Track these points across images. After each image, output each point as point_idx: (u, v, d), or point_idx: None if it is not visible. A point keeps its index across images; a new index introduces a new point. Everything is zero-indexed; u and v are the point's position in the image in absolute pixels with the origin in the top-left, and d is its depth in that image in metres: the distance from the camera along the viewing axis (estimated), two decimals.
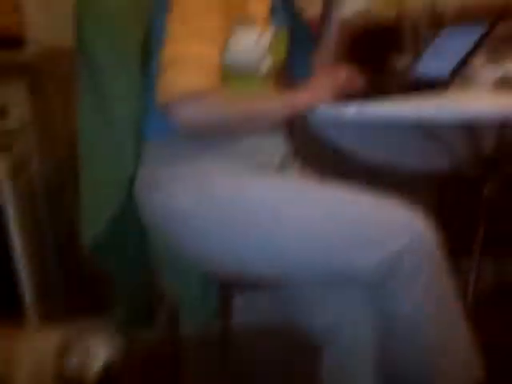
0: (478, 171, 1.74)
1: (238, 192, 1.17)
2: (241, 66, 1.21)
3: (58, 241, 1.89)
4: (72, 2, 1.31)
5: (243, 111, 1.21)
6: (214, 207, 1.16)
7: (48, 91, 1.87)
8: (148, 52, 1.26)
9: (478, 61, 1.31)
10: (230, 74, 1.20)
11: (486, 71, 1.28)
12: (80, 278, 1.87)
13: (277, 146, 1.32)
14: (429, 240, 1.10)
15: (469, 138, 1.68)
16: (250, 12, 1.20)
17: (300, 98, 1.26)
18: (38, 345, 1.40)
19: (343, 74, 1.30)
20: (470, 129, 1.65)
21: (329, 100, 1.25)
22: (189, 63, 1.12)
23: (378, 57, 1.62)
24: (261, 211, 1.15)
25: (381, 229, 1.11)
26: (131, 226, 1.34)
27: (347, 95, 1.25)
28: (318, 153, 1.84)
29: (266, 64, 1.24)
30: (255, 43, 1.19)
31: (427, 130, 1.66)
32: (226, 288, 1.47)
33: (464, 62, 1.28)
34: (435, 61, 1.39)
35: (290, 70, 1.40)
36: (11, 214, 1.65)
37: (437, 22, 1.66)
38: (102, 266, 1.42)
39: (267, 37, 1.22)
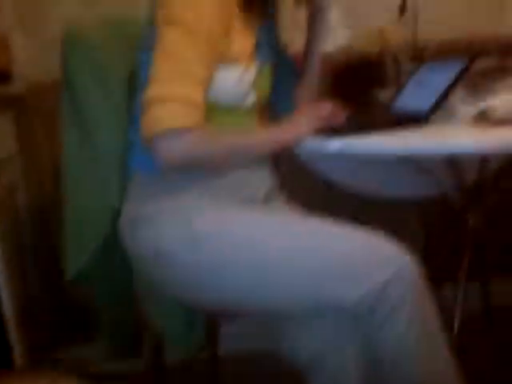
0: (462, 202, 1.77)
1: (223, 228, 1.18)
2: (225, 102, 1.23)
3: (43, 269, 1.88)
4: (59, 38, 1.32)
5: (227, 147, 1.23)
6: (200, 244, 1.16)
7: (34, 124, 1.88)
8: (135, 87, 1.28)
9: (458, 95, 1.32)
10: (215, 108, 1.21)
11: (465, 106, 1.30)
12: (65, 306, 1.86)
13: (262, 180, 1.33)
14: (412, 271, 1.12)
15: (451, 170, 1.70)
16: (235, 48, 1.21)
17: (284, 133, 1.27)
18: None
19: (326, 109, 1.32)
20: (452, 162, 1.67)
21: (312, 134, 1.26)
22: (173, 101, 1.13)
23: (361, 91, 1.64)
24: (247, 247, 1.15)
25: (366, 261, 1.12)
26: (115, 258, 1.33)
27: (331, 130, 1.27)
28: (304, 185, 1.86)
29: (251, 99, 1.25)
30: (239, 79, 1.21)
31: (412, 161, 1.68)
32: (212, 318, 1.47)
33: (444, 97, 1.30)
34: (416, 95, 1.41)
35: (274, 105, 1.41)
36: None
37: (418, 57, 1.69)
38: (85, 296, 1.42)
39: (251, 73, 1.23)
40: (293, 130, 1.28)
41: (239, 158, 1.25)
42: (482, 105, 1.27)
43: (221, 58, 1.18)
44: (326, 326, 1.20)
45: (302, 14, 1.43)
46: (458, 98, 1.32)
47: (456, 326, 1.68)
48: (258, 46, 1.27)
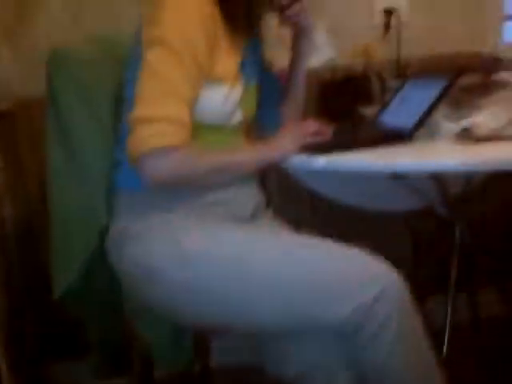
0: (448, 214, 1.78)
1: (211, 247, 1.18)
2: (212, 121, 1.23)
3: (30, 284, 1.87)
4: (46, 54, 1.32)
5: (214, 165, 1.23)
6: (188, 263, 1.16)
7: (20, 139, 1.88)
8: (121, 106, 1.28)
9: (441, 112, 1.33)
10: (201, 127, 1.22)
11: (448, 123, 1.31)
12: (53, 321, 1.85)
13: (250, 197, 1.33)
14: (399, 288, 1.12)
15: (437, 184, 1.72)
16: (221, 68, 1.21)
17: (270, 151, 1.28)
18: None
19: (312, 126, 1.33)
20: (437, 176, 1.69)
21: (298, 152, 1.27)
22: (160, 120, 1.13)
23: (346, 108, 1.66)
24: (234, 266, 1.16)
25: (352, 280, 1.12)
26: (103, 275, 1.33)
27: (316, 147, 1.28)
28: (292, 197, 1.87)
29: (237, 118, 1.27)
30: (225, 99, 1.21)
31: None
32: (201, 333, 1.47)
33: (428, 114, 1.31)
34: (400, 112, 1.42)
35: (260, 122, 1.42)
36: None
37: (402, 74, 1.71)
38: (73, 312, 1.41)
39: (237, 92, 1.24)
40: (279, 148, 1.28)
41: (226, 175, 1.25)
42: (466, 122, 1.28)
43: (206, 77, 1.19)
44: (314, 343, 1.21)
45: (287, 32, 1.44)
46: (441, 114, 1.33)
47: (446, 338, 1.69)
48: (243, 65, 1.28)
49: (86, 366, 1.56)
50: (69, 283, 1.32)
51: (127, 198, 1.26)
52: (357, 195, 1.78)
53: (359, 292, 1.10)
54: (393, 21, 1.86)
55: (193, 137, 1.18)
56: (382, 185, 1.68)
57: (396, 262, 1.15)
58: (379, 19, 1.90)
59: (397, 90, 1.50)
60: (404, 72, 1.72)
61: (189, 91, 1.16)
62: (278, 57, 1.47)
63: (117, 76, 1.31)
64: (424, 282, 1.86)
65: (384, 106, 1.51)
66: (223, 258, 1.16)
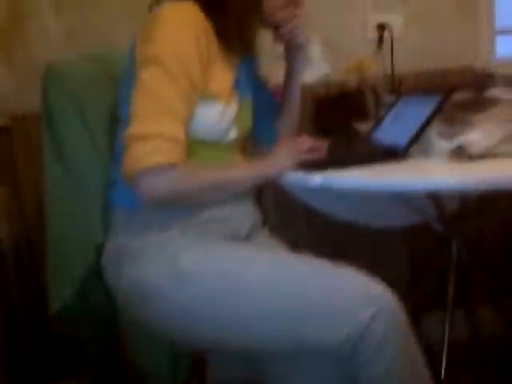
0: (445, 230, 1.79)
1: (209, 266, 1.18)
2: (207, 138, 1.23)
3: (27, 302, 1.86)
4: (43, 70, 1.33)
5: (210, 182, 1.23)
6: (186, 282, 1.16)
7: (16, 154, 1.88)
8: (116, 124, 1.28)
9: (435, 129, 1.32)
10: (196, 144, 1.22)
11: (442, 140, 1.30)
12: (50, 340, 1.85)
13: (246, 214, 1.33)
14: (394, 309, 1.12)
15: (433, 200, 1.72)
16: (215, 85, 1.22)
17: (265, 167, 1.28)
18: None
19: (307, 143, 1.32)
20: (434, 195, 1.69)
21: (293, 168, 1.27)
22: (155, 138, 1.13)
23: (341, 123, 1.66)
24: (230, 284, 1.16)
25: (348, 301, 1.12)
26: (98, 294, 1.33)
27: (312, 164, 1.28)
28: (289, 216, 1.87)
29: (232, 135, 1.27)
30: (221, 116, 1.22)
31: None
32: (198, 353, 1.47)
33: (422, 131, 1.31)
34: (394, 128, 1.42)
35: (255, 139, 1.43)
36: None
37: (396, 89, 1.72)
38: (68, 329, 1.41)
39: (232, 109, 1.24)
40: (274, 164, 1.28)
41: (222, 192, 1.25)
42: (459, 139, 1.28)
43: (201, 94, 1.19)
44: (313, 364, 1.21)
45: (281, 48, 1.45)
46: (435, 131, 1.32)
47: (444, 354, 1.68)
48: (238, 82, 1.28)
49: None
50: (64, 299, 1.32)
51: (123, 216, 1.26)
52: (354, 211, 1.78)
53: (355, 313, 1.10)
54: (386, 36, 1.87)
55: (188, 153, 1.18)
56: (379, 201, 1.68)
57: (393, 278, 1.16)
58: (373, 34, 1.91)
59: (391, 106, 1.50)
60: (398, 87, 1.73)
61: (183, 109, 1.16)
62: (275, 71, 1.47)
63: (111, 94, 1.32)
64: (421, 297, 1.86)
65: (378, 122, 1.51)
66: (220, 276, 1.16)
